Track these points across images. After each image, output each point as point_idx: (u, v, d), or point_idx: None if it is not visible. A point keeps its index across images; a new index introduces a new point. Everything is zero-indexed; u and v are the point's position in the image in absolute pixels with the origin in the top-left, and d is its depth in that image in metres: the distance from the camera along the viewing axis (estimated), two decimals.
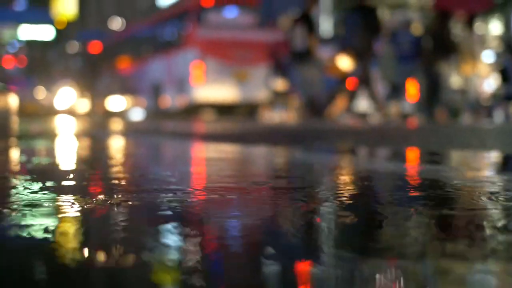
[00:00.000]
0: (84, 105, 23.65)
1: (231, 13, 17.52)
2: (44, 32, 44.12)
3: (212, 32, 16.81)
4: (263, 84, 16.82)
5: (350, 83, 13.58)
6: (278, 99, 14.60)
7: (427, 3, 15.01)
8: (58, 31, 47.14)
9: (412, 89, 12.11)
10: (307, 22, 11.55)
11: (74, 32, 42.77)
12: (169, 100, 18.21)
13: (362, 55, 10.24)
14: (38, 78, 24.42)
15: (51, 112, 21.55)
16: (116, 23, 34.41)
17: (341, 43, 10.90)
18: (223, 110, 17.05)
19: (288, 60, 12.46)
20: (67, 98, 23.42)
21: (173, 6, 21.76)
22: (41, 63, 26.15)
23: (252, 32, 17.16)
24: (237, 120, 12.40)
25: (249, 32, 17.13)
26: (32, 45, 29.09)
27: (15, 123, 5.00)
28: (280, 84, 14.47)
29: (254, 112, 17.40)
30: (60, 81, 24.04)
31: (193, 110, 17.30)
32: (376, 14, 10.59)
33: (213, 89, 16.63)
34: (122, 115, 20.72)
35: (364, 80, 10.60)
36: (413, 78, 11.81)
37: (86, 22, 54.75)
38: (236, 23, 17.35)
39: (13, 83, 24.11)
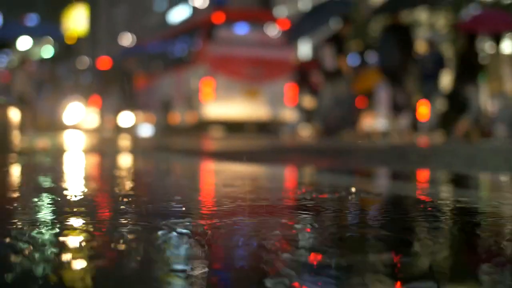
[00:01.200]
0: (93, 120, 23.60)
1: (242, 29, 17.44)
2: (45, 48, 44.31)
3: (223, 48, 16.73)
4: (273, 101, 16.74)
5: (360, 101, 13.54)
6: (306, 116, 14.72)
7: (455, 24, 14.97)
8: (68, 46, 47.35)
9: (423, 109, 12.05)
10: (338, 42, 11.71)
11: (84, 48, 42.97)
12: (179, 117, 18.11)
13: (396, 74, 10.27)
14: (47, 93, 24.40)
15: (59, 127, 21.49)
16: (127, 39, 34.49)
17: (377, 61, 10.97)
18: (233, 127, 16.93)
19: (317, 78, 12.60)
20: (76, 113, 23.38)
21: (183, 22, 21.76)
22: (50, 78, 26.12)
23: (262, 49, 17.07)
24: (259, 138, 12.24)
25: (259, 49, 17.04)
26: (41, 60, 29.11)
27: (16, 137, 4.85)
28: (308, 101, 14.57)
29: (264, 129, 17.27)
30: (69, 96, 24.03)
31: (203, 126, 17.18)
32: (410, 33, 10.60)
33: (223, 106, 16.51)
34: (131, 131, 20.64)
35: (402, 98, 10.58)
36: (426, 97, 11.78)
37: (96, 38, 55.05)
38: (247, 39, 17.26)
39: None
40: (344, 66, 11.79)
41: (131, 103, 16.91)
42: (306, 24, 14.61)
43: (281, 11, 26.11)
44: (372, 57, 13.27)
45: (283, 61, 17.23)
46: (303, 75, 15.92)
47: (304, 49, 15.11)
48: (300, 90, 15.35)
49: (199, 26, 17.83)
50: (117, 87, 23.39)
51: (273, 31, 17.59)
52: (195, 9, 34.56)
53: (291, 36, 15.78)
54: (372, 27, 16.99)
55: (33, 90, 20.36)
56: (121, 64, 16.58)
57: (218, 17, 17.18)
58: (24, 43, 30.30)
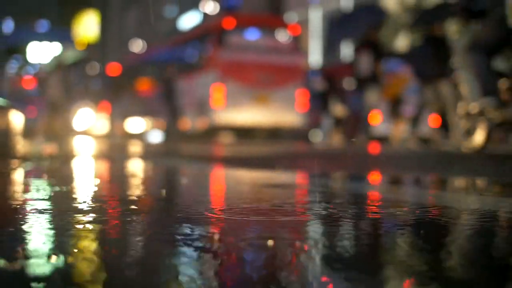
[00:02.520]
0: (103, 126, 23.54)
1: (252, 35, 17.34)
2: (55, 54, 44.44)
3: (234, 54, 16.62)
4: (283, 107, 16.62)
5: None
6: (337, 124, 14.74)
7: None
8: (78, 52, 47.47)
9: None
10: (373, 48, 11.78)
11: (95, 54, 43.05)
12: (189, 123, 18.00)
13: (433, 84, 10.29)
14: (58, 99, 24.37)
15: (69, 132, 21.44)
16: (137, 45, 34.48)
17: (413, 72, 11.02)
18: (244, 133, 16.81)
19: (349, 85, 12.64)
20: (86, 119, 23.34)
21: (194, 28, 21.67)
22: (61, 83, 26.11)
23: (273, 54, 16.96)
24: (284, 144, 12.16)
25: (270, 55, 16.93)
26: (71, 65, 29.17)
27: (18, 143, 4.73)
28: (339, 109, 14.58)
29: (275, 136, 17.15)
30: (79, 101, 24.00)
31: (213, 132, 17.07)
32: (446, 43, 10.58)
33: (234, 112, 16.40)
34: (141, 137, 20.55)
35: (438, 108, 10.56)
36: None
37: (107, 44, 55.17)
38: (258, 45, 17.15)
39: (33, 103, 24.10)
40: (380, 72, 11.88)
41: (173, 111, 16.65)
42: (342, 30, 14.63)
43: (292, 17, 25.99)
44: (395, 64, 13.30)
45: (294, 67, 17.12)
46: (331, 82, 15.85)
47: (331, 56, 15.04)
48: (330, 97, 15.36)
49: (209, 32, 17.74)
50: (126, 93, 23.35)
51: (284, 36, 17.48)
52: (205, 15, 34.52)
53: (329, 42, 15.77)
54: (401, 36, 16.95)
55: (65, 96, 20.35)
56: (162, 71, 16.35)
57: (229, 23, 17.08)
58: (56, 48, 30.35)
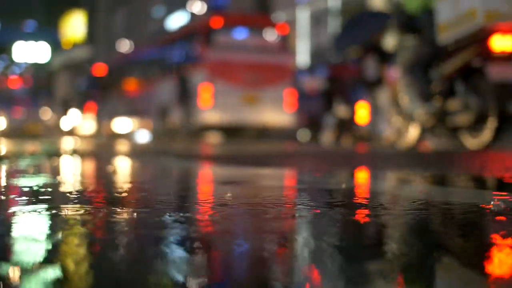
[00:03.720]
0: (90, 126, 23.37)
1: (240, 34, 17.25)
2: (41, 53, 44.11)
3: (221, 54, 16.52)
4: (272, 107, 16.55)
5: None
6: (342, 125, 14.79)
7: None
8: (64, 52, 47.26)
9: None
10: (380, 52, 11.82)
11: (82, 54, 42.84)
12: (176, 122, 17.88)
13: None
14: (44, 99, 24.22)
15: (56, 133, 21.28)
16: (124, 46, 34.30)
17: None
18: (231, 132, 16.71)
19: (354, 87, 12.73)
20: (73, 119, 23.17)
21: (182, 28, 21.55)
22: (46, 83, 25.97)
23: (261, 54, 16.88)
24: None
25: (258, 54, 16.84)
26: (37, 66, 29.04)
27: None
28: (343, 111, 14.62)
29: (263, 135, 17.08)
30: (66, 101, 23.83)
31: (201, 132, 16.96)
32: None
33: (221, 112, 16.30)
34: (128, 137, 20.42)
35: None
36: None
37: (94, 45, 54.89)
38: (246, 44, 17.07)
39: (19, 103, 23.92)
40: (386, 76, 11.94)
41: (187, 109, 16.37)
42: (350, 33, 14.66)
43: (279, 17, 25.94)
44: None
45: (282, 66, 17.04)
46: (335, 83, 15.83)
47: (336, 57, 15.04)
48: (334, 99, 15.38)
49: (197, 31, 17.62)
50: (113, 93, 23.20)
51: (272, 36, 17.41)
52: (193, 15, 34.42)
53: (337, 46, 15.77)
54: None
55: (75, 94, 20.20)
56: (178, 70, 16.14)
57: (217, 22, 16.98)
58: (44, 48, 30.05)
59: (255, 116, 16.47)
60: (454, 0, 7.02)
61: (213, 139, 16.66)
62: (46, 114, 23.57)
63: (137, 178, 3.49)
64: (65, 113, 19.46)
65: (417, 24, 7.81)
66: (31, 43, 45.13)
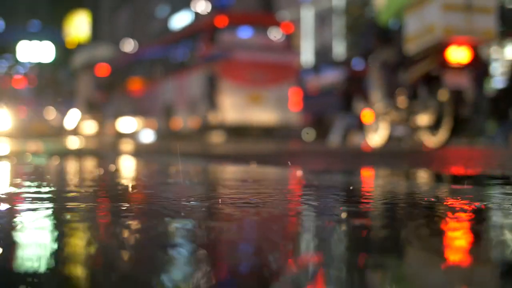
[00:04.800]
0: (94, 126, 23.36)
1: (245, 33, 17.19)
2: (46, 53, 44.08)
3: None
4: (277, 106, 16.49)
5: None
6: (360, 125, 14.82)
7: None
8: (69, 51, 47.23)
9: None
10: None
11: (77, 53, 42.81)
12: (181, 122, 17.84)
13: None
14: (48, 99, 24.21)
15: (60, 132, 21.26)
16: (128, 45, 34.29)
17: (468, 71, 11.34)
18: (236, 131, 16.65)
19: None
20: (77, 119, 23.14)
21: (186, 27, 21.52)
22: (51, 83, 25.96)
23: (266, 53, 16.82)
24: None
25: (263, 53, 16.78)
26: (42, 65, 29.02)
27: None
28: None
29: (268, 134, 17.01)
30: (70, 101, 23.82)
31: (205, 131, 16.91)
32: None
33: (226, 111, 16.24)
34: (132, 136, 20.39)
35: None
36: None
37: (98, 44, 54.93)
38: (250, 43, 17.00)
39: (24, 103, 23.91)
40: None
41: (213, 107, 16.18)
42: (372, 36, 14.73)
43: (284, 16, 25.86)
44: None
45: (287, 65, 16.98)
46: (355, 83, 15.77)
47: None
48: (354, 97, 15.32)
49: (201, 30, 17.57)
50: (117, 93, 23.18)
51: (276, 35, 17.35)
52: (197, 14, 34.39)
53: (364, 48, 15.81)
54: None
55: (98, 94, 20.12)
56: (206, 69, 16.02)
57: (221, 21, 16.92)
58: (88, 47, 29.97)
59: (260, 115, 16.41)
60: (418, 15, 8.01)
61: (218, 138, 16.61)
62: (51, 113, 23.56)
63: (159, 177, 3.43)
64: (89, 116, 19.46)
65: (388, 35, 8.89)
66: (35, 42, 45.13)
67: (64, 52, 48.94)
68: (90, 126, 23.30)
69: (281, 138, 16.56)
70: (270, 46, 17.07)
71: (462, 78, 7.59)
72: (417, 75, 8.09)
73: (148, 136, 20.06)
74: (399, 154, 6.27)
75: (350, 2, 26.97)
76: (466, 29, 7.62)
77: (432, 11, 7.77)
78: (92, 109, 19.99)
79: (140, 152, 7.45)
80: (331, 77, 18.93)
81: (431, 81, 7.89)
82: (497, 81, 15.69)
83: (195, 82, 17.04)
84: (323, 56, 27.01)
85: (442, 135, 7.72)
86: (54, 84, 26.09)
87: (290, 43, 17.66)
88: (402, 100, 8.41)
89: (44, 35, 47.34)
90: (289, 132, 17.47)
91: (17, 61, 37.63)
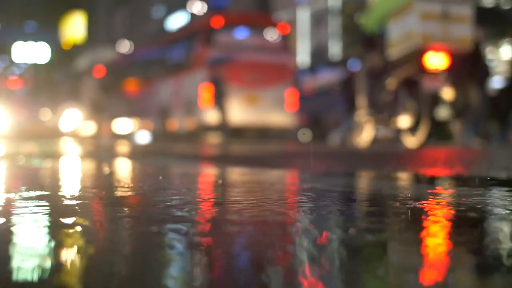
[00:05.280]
0: (90, 127, 23.29)
1: (241, 34, 17.16)
2: (41, 54, 43.93)
3: (222, 53, 16.42)
4: (273, 107, 16.45)
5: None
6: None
7: None
8: (64, 52, 47.11)
9: None
10: None
11: (82, 54, 42.73)
12: (177, 123, 17.79)
13: (465, 87, 10.64)
14: (43, 99, 24.14)
15: (56, 134, 21.19)
16: (125, 46, 34.25)
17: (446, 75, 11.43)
18: (232, 133, 16.61)
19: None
20: (73, 120, 23.07)
21: (182, 28, 21.48)
22: (46, 84, 25.88)
23: (262, 53, 16.79)
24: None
25: (259, 54, 16.75)
26: (37, 66, 28.93)
27: None
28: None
29: (264, 136, 16.98)
30: (66, 102, 23.75)
31: (201, 133, 16.87)
32: (479, 48, 10.91)
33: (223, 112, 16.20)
34: (128, 138, 20.34)
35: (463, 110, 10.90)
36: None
37: (94, 45, 54.87)
38: (247, 44, 16.97)
39: (19, 104, 23.85)
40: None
41: (222, 110, 16.03)
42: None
43: (280, 16, 25.84)
44: None
45: (283, 66, 16.96)
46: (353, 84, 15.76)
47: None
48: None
49: (197, 31, 17.54)
50: (113, 94, 23.12)
51: (273, 35, 17.33)
52: (193, 15, 34.35)
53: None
54: None
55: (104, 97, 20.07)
56: (211, 72, 15.88)
57: (217, 22, 16.89)
58: (91, 49, 29.80)
59: (256, 116, 16.38)
60: (399, 23, 8.53)
61: (214, 139, 16.57)
62: (46, 115, 23.49)
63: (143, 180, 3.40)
64: (96, 118, 19.41)
65: (373, 41, 9.36)
66: (31, 43, 45.01)
67: (60, 53, 48.83)
68: (87, 128, 23.24)
69: (278, 139, 16.53)
70: (266, 47, 17.04)
71: (438, 82, 8.14)
72: (398, 80, 8.55)
73: (144, 138, 20.01)
74: (372, 156, 6.47)
75: (346, 3, 26.97)
76: (442, 36, 8.20)
77: (411, 20, 8.30)
78: (96, 110, 19.95)
79: (136, 154, 7.42)
80: (328, 77, 18.92)
81: (411, 85, 8.35)
82: (496, 82, 15.76)
83: (192, 83, 17.00)
84: (319, 57, 26.99)
85: (420, 136, 8.17)
86: (49, 85, 25.99)
87: (286, 44, 17.63)
88: (385, 103, 8.88)
89: (39, 36, 47.25)
90: (285, 133, 17.45)
91: (12, 62, 37.53)
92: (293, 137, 17.59)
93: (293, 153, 7.50)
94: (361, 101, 9.59)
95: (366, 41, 9.64)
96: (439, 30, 8.24)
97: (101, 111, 20.02)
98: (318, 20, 28.30)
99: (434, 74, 8.13)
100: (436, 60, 8.14)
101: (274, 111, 16.51)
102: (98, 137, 21.82)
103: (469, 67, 11.35)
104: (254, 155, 6.76)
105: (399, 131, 8.82)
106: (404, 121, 8.48)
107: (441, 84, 8.17)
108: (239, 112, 16.23)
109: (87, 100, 19.94)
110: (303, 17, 28.74)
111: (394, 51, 8.59)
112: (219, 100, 15.88)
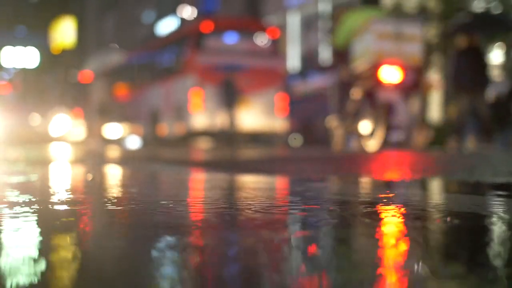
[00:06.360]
0: (79, 132, 23.20)
1: (231, 38, 17.15)
2: (30, 58, 43.77)
3: (212, 58, 16.40)
4: (263, 112, 16.44)
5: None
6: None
7: None
8: (54, 57, 46.96)
9: None
10: None
11: (72, 59, 42.66)
12: (167, 128, 17.75)
13: (472, 93, 10.78)
14: (33, 104, 24.03)
15: (45, 139, 21.09)
16: (115, 51, 34.17)
17: (453, 81, 11.62)
18: (223, 138, 16.58)
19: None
20: (62, 125, 22.97)
21: (172, 32, 21.44)
22: (36, 89, 25.77)
23: (252, 58, 16.78)
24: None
25: (249, 58, 16.74)
26: (27, 71, 28.81)
27: None
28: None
29: (254, 140, 16.96)
30: (55, 107, 23.65)
31: (191, 138, 16.83)
32: (484, 55, 11.20)
33: (212, 117, 16.18)
34: (118, 142, 20.27)
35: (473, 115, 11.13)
36: None
37: (84, 50, 54.73)
38: (236, 49, 16.96)
39: (8, 109, 23.74)
40: (422, 81, 12.38)
41: (232, 115, 15.90)
42: None
43: (270, 21, 25.85)
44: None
45: (273, 70, 16.96)
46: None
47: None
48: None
49: (187, 36, 17.51)
50: (99, 99, 23.05)
51: (262, 40, 17.33)
52: (183, 20, 34.31)
53: None
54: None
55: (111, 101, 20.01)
56: (224, 79, 15.77)
57: (207, 26, 16.87)
58: (33, 53, 29.65)
59: (248, 121, 16.36)
60: (361, 40, 9.56)
61: (204, 144, 16.53)
62: (35, 120, 23.38)
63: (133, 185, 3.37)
64: (102, 122, 19.35)
65: (342, 55, 10.18)
66: (20, 48, 44.84)
67: (49, 58, 48.66)
68: (77, 133, 23.16)
69: (268, 144, 16.51)
70: (256, 52, 17.03)
71: (391, 94, 9.29)
72: (360, 91, 9.58)
73: (134, 143, 19.94)
74: (330, 159, 6.93)
75: (336, 7, 27.01)
76: (396, 54, 9.29)
77: (369, 38, 9.39)
78: (104, 115, 19.91)
79: (126, 159, 7.38)
80: (318, 82, 18.92)
81: (370, 96, 9.40)
82: (495, 86, 15.84)
83: (181, 88, 16.96)
84: (310, 62, 27.02)
85: (377, 141, 9.19)
86: (39, 90, 25.88)
87: (276, 48, 17.64)
88: (350, 111, 9.93)
89: (28, 40, 47.09)
90: (276, 138, 17.43)
91: (1, 67, 37.38)
92: (284, 142, 17.58)
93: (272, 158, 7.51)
94: (333, 110, 10.81)
95: (337, 55, 10.68)
96: (392, 48, 9.33)
97: (108, 115, 19.97)
98: (309, 24, 28.34)
99: (388, 87, 9.21)
100: (389, 75, 9.19)
101: (264, 115, 16.50)
102: (88, 142, 21.73)
103: (419, 80, 11.90)
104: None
105: (360, 137, 9.76)
106: (364, 127, 9.50)
107: (395, 96, 9.28)
108: (227, 117, 16.20)
109: (95, 105, 19.87)
110: (294, 21, 28.77)
111: (357, 65, 9.58)
112: (229, 105, 15.86)
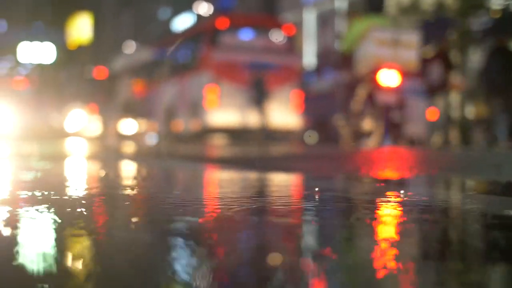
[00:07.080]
0: (95, 127, 23.30)
1: (246, 35, 17.12)
2: (47, 54, 43.94)
3: (227, 54, 16.38)
4: (279, 109, 16.40)
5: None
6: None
7: None
8: (70, 53, 47.21)
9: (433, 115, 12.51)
10: (445, 58, 12.31)
11: (88, 55, 42.85)
12: (182, 124, 17.76)
13: (504, 93, 10.88)
14: (49, 100, 24.16)
15: (61, 134, 21.22)
16: (131, 48, 34.28)
17: (484, 82, 11.70)
18: (238, 134, 16.57)
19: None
20: (78, 121, 23.09)
21: (188, 29, 21.46)
22: (52, 84, 25.90)
23: (268, 55, 16.74)
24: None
25: (265, 55, 16.71)
26: (43, 67, 28.93)
27: None
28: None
29: (270, 137, 16.93)
30: (71, 103, 23.76)
31: (206, 134, 16.83)
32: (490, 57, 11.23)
33: (228, 113, 16.16)
34: (134, 138, 20.34)
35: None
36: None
37: (100, 46, 55.02)
38: (252, 45, 16.93)
39: (25, 105, 23.89)
40: (450, 82, 12.47)
41: (263, 113, 15.89)
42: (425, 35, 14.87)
43: (286, 18, 25.79)
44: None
45: (289, 67, 16.91)
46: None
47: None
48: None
49: (203, 32, 17.51)
50: (115, 95, 23.13)
51: (278, 37, 17.29)
52: (199, 16, 34.36)
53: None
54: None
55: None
56: (254, 77, 15.76)
57: (222, 23, 16.85)
58: (50, 49, 29.81)
59: (262, 117, 16.31)
60: (362, 46, 10.34)
61: (219, 141, 16.54)
62: (52, 115, 23.51)
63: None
64: (124, 119, 19.51)
65: (348, 59, 10.81)
66: (36, 43, 45.10)
67: (65, 53, 48.94)
68: (93, 128, 23.25)
69: (283, 141, 16.48)
70: (272, 49, 17.00)
71: (389, 97, 10.06)
72: (362, 93, 10.28)
73: (149, 139, 20.00)
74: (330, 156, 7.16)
75: (352, 4, 26.89)
76: (393, 59, 10.09)
77: (369, 44, 10.21)
78: (129, 110, 20.06)
79: (141, 155, 7.40)
80: (333, 80, 18.84)
81: (371, 98, 10.16)
82: None
83: (197, 84, 16.97)
84: (325, 59, 26.94)
85: (376, 139, 10.03)
86: (55, 86, 26.02)
87: (292, 46, 17.59)
88: (354, 111, 10.60)
89: (45, 36, 47.34)
90: (291, 135, 17.38)
91: (18, 63, 37.61)
92: (299, 139, 17.54)
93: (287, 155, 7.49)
94: (339, 110, 11.54)
95: (343, 59, 11.27)
96: (390, 53, 10.18)
97: (133, 111, 20.10)
98: (324, 21, 28.26)
99: (386, 90, 10.01)
100: (387, 79, 10.00)
101: (280, 113, 16.46)
102: (104, 137, 21.83)
103: (446, 80, 12.01)
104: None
105: (363, 135, 10.47)
106: (366, 126, 10.28)
107: (393, 98, 10.06)
108: (243, 113, 16.20)
109: (120, 101, 19.98)
110: (309, 18, 28.70)
111: (360, 69, 10.32)
112: (260, 103, 15.85)
